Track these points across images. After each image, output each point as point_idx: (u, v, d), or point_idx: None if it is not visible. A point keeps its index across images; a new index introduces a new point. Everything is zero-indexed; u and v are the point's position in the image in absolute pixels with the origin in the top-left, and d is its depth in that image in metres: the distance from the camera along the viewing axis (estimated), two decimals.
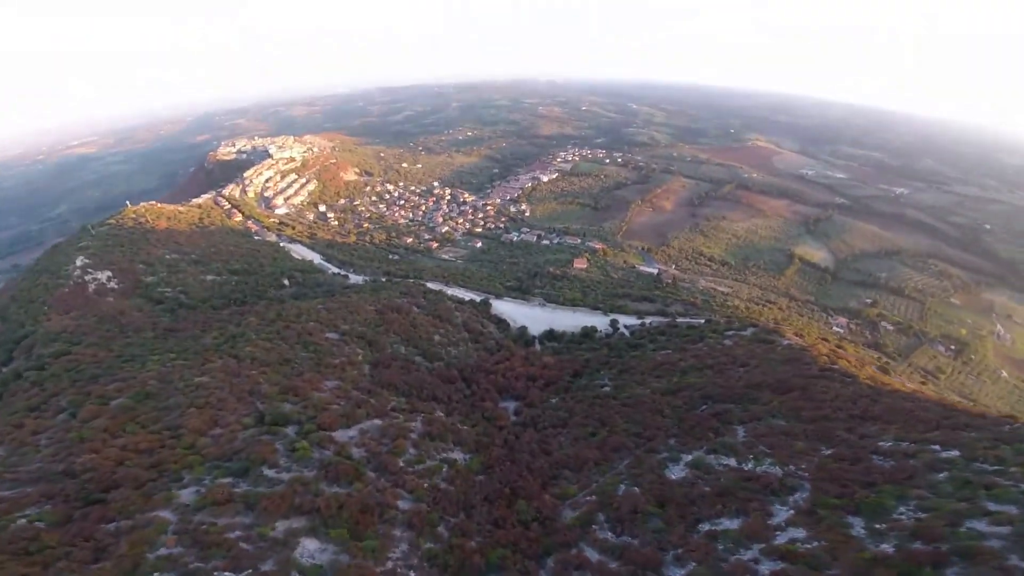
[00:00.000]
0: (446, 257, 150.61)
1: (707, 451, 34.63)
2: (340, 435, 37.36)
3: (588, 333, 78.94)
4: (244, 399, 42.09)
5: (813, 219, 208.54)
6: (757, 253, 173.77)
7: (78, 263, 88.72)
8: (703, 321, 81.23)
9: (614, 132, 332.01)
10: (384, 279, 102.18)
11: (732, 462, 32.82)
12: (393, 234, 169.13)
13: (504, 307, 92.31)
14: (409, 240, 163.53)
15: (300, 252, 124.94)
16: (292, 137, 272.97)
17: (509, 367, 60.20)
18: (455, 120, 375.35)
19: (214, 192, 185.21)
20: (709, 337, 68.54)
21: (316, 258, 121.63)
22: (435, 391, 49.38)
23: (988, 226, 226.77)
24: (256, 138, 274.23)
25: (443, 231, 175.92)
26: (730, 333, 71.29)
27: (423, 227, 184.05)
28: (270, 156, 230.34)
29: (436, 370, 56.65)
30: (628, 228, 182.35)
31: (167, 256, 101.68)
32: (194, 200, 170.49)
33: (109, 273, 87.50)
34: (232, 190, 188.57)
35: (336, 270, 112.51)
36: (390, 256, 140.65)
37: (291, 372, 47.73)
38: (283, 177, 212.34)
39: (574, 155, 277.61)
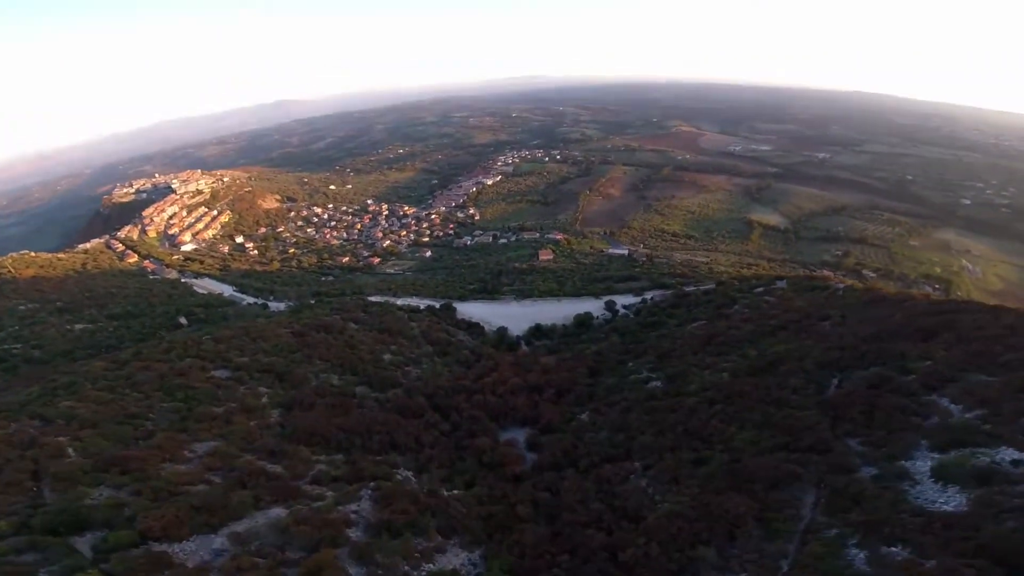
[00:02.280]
0: (391, 271, 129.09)
1: (937, 446, 17.59)
2: (189, 550, 17.12)
3: (584, 321, 61.56)
4: (18, 484, 20.77)
5: (755, 188, 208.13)
6: (716, 224, 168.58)
7: None
8: (713, 286, 66.36)
9: (547, 134, 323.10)
10: (312, 301, 80.00)
11: (1018, 454, 15.96)
12: (326, 256, 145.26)
13: (472, 309, 73.20)
14: (345, 259, 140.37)
15: (207, 286, 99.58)
16: (199, 171, 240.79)
17: (499, 380, 41.18)
18: (383, 141, 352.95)
19: (107, 236, 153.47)
20: (741, 298, 53.13)
21: (227, 290, 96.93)
22: (393, 434, 29.60)
23: (910, 176, 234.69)
24: (157, 175, 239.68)
25: (384, 245, 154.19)
26: (760, 290, 56.40)
27: (361, 245, 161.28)
28: (174, 192, 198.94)
29: (392, 401, 36.68)
30: (583, 217, 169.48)
31: (22, 307, 75.03)
32: (80, 246, 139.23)
33: None
34: (129, 231, 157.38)
35: (252, 300, 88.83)
36: (322, 278, 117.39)
37: (134, 434, 26.47)
38: (190, 212, 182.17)
39: (514, 158, 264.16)
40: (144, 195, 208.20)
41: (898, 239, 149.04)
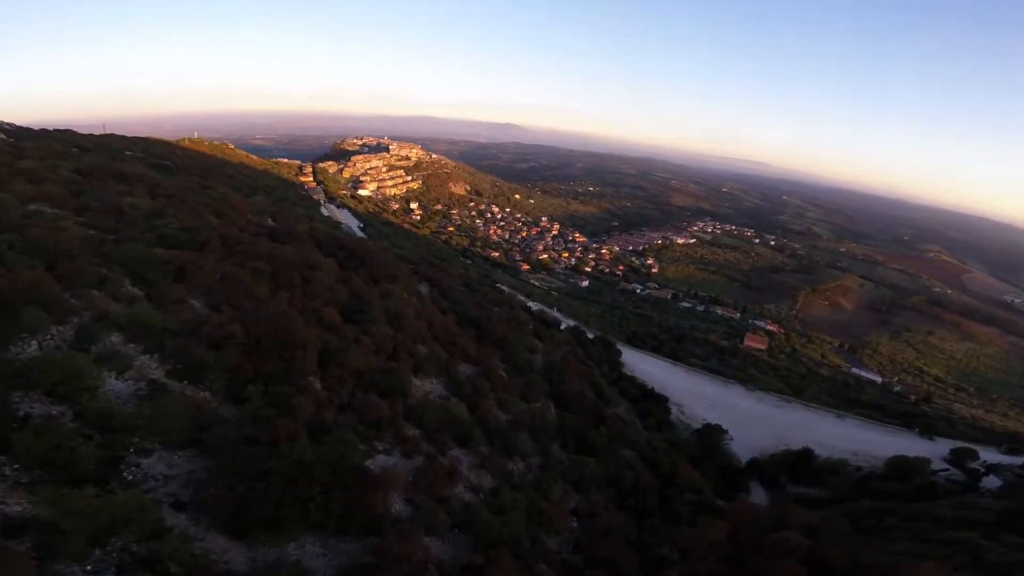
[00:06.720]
0: (536, 283, 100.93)
1: None
2: None
3: (907, 471, 22.48)
4: None
5: None
6: (990, 384, 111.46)
7: None
8: None
9: (760, 217, 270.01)
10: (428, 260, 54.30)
11: None
12: (478, 244, 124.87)
13: (645, 365, 38.63)
14: (495, 254, 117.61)
15: (337, 215, 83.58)
16: (419, 146, 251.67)
17: None
18: (577, 176, 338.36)
19: (310, 163, 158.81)
20: None
21: (354, 225, 79.01)
22: None
23: None
24: (386, 138, 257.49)
25: (540, 257, 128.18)
26: None
27: (517, 249, 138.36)
28: (387, 151, 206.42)
29: None
30: (803, 318, 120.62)
31: (127, 152, 64.64)
32: (279, 159, 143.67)
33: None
34: (328, 166, 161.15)
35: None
36: (460, 259, 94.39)
37: None
38: (390, 170, 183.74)
39: (714, 228, 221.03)
40: (366, 149, 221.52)
41: None
